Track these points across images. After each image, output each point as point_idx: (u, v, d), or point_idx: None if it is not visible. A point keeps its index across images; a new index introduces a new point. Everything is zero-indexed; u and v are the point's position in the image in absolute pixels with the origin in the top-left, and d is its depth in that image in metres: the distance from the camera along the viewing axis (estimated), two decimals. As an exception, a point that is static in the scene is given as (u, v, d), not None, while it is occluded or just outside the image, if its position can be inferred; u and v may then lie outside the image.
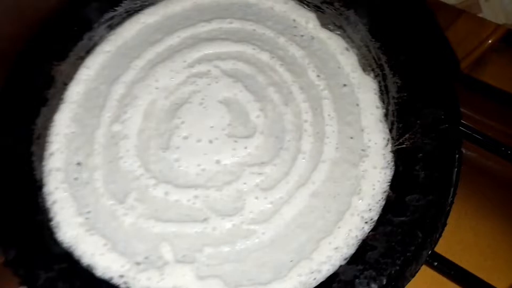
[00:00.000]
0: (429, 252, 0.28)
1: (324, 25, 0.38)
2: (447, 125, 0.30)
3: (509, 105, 0.38)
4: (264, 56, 0.37)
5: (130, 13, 0.41)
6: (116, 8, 0.41)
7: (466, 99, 0.38)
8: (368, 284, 0.25)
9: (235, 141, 0.33)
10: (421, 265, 0.27)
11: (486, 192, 0.36)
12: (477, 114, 0.38)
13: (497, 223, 0.35)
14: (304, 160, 0.32)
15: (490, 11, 0.48)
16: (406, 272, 0.26)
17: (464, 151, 0.37)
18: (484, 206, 0.35)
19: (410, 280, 0.27)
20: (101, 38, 0.40)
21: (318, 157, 0.32)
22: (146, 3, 0.41)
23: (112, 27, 0.40)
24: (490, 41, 0.51)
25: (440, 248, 0.30)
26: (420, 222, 0.27)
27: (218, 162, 0.32)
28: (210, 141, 0.33)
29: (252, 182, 0.31)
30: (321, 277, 0.26)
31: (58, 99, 0.37)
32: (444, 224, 0.28)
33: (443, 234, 0.31)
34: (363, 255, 0.27)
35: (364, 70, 0.35)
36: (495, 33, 0.50)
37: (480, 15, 0.49)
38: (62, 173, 0.33)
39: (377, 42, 0.36)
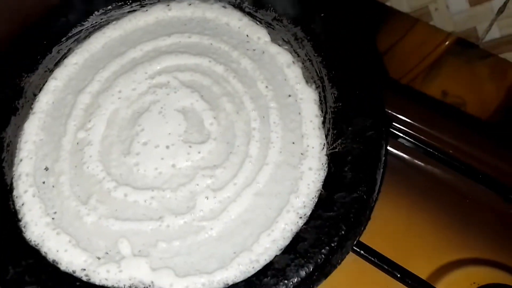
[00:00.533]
0: (354, 243, 0.32)
1: (274, 40, 0.42)
2: (372, 132, 0.34)
3: (436, 112, 0.42)
4: (219, 69, 0.40)
5: (96, 28, 0.44)
6: (83, 23, 0.44)
7: (402, 106, 0.43)
8: (297, 271, 0.29)
9: (190, 147, 0.36)
10: (346, 254, 0.31)
11: (416, 187, 0.40)
12: (411, 120, 0.42)
13: (424, 215, 0.39)
14: (250, 163, 0.35)
15: (440, 20, 0.53)
16: (332, 260, 0.30)
17: (396, 151, 0.42)
18: (412, 200, 0.39)
19: (336, 267, 0.31)
20: (69, 51, 0.43)
21: (263, 160, 0.35)
22: (112, 18, 0.45)
23: (79, 41, 0.43)
24: (446, 44, 0.55)
25: (369, 236, 0.35)
26: (344, 217, 0.31)
27: (173, 166, 0.36)
28: (167, 147, 0.37)
29: (204, 183, 0.35)
30: (258, 266, 0.30)
31: (27, 108, 0.40)
32: (368, 218, 0.33)
33: (375, 227, 0.35)
34: (295, 246, 0.31)
35: (307, 82, 0.39)
36: (451, 37, 0.55)
37: (431, 23, 0.54)
38: (31, 178, 0.36)
39: (319, 57, 0.39)
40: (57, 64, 0.42)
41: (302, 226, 0.31)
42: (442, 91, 0.56)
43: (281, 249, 0.31)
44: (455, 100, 0.54)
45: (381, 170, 0.34)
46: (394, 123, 0.41)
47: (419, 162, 0.42)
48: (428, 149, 0.40)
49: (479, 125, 0.47)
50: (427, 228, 0.38)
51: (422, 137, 0.41)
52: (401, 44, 0.58)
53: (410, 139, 0.41)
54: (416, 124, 0.41)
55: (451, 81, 0.56)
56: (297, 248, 0.30)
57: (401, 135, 0.41)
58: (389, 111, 0.41)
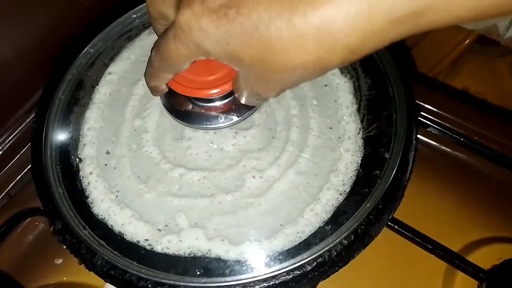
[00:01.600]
0: (389, 217, 0.35)
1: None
2: (405, 117, 0.37)
3: (462, 102, 0.45)
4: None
5: (146, 26, 0.48)
6: (134, 22, 0.48)
7: (430, 97, 0.46)
8: (339, 240, 0.33)
9: (236, 132, 0.40)
10: (383, 227, 0.35)
11: (444, 172, 0.43)
12: (438, 109, 0.45)
13: (453, 198, 0.42)
14: (292, 146, 0.39)
15: None
16: (370, 231, 0.34)
17: (426, 139, 0.45)
18: (442, 183, 0.42)
19: (373, 238, 0.34)
20: (122, 47, 0.47)
21: (303, 143, 0.39)
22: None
23: (131, 38, 0.48)
24: (466, 42, 0.58)
25: (403, 215, 0.38)
26: (381, 193, 0.34)
27: (222, 149, 0.39)
28: (215, 132, 0.40)
29: (250, 164, 0.38)
30: (304, 235, 0.34)
31: (88, 99, 0.44)
32: (402, 196, 0.36)
33: (407, 206, 0.38)
34: (337, 218, 0.34)
35: (342, 72, 0.42)
36: (471, 35, 0.57)
37: None
38: (94, 160, 0.40)
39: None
40: (111, 59, 0.46)
41: (342, 201, 0.35)
42: (463, 87, 0.58)
43: (324, 221, 0.34)
44: (476, 97, 0.57)
45: (413, 152, 0.37)
46: (422, 112, 0.44)
47: (446, 149, 0.45)
48: (454, 135, 0.43)
49: (502, 113, 0.50)
50: (455, 209, 0.41)
51: (448, 125, 0.44)
52: (424, 41, 0.61)
53: (437, 127, 0.43)
54: (442, 113, 0.44)
55: (472, 78, 0.58)
56: (338, 220, 0.34)
57: (429, 123, 0.44)
58: (417, 101, 0.44)
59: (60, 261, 0.43)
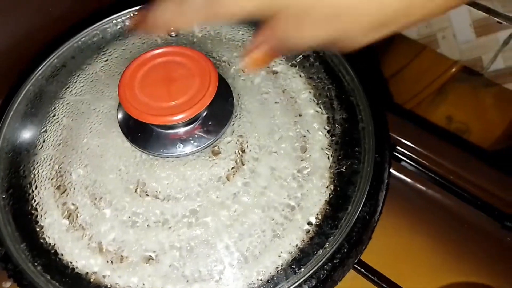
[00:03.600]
0: (355, 261, 0.33)
1: (287, 61, 0.44)
2: (377, 155, 0.36)
3: (439, 137, 0.44)
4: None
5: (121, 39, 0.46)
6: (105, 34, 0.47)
7: (407, 131, 0.45)
8: (300, 286, 0.31)
9: (202, 161, 0.38)
10: (347, 271, 0.33)
11: (417, 210, 0.42)
12: (414, 144, 0.44)
13: (425, 238, 0.40)
14: (253, 176, 0.37)
15: (446, 48, 0.55)
16: (334, 276, 0.32)
17: (399, 174, 0.44)
18: (414, 222, 0.41)
19: (337, 283, 0.32)
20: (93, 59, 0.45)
21: (269, 176, 0.37)
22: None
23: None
24: (452, 71, 0.57)
25: (370, 255, 0.36)
26: (347, 235, 0.33)
27: (183, 177, 0.37)
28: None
29: (212, 196, 0.36)
30: (264, 277, 0.32)
31: (45, 113, 0.42)
32: (369, 238, 0.34)
33: (374, 246, 0.37)
34: (299, 260, 0.32)
35: (317, 102, 0.41)
36: (456, 65, 0.56)
37: (438, 50, 0.56)
38: (49, 181, 0.38)
39: (329, 79, 0.41)
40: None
41: (307, 241, 0.33)
42: (446, 116, 0.57)
43: (287, 263, 0.32)
44: (459, 126, 0.56)
45: (384, 192, 0.35)
46: (397, 147, 0.42)
47: (420, 186, 0.44)
48: (430, 173, 0.41)
49: (480, 153, 0.49)
50: (426, 251, 0.40)
51: (423, 161, 0.43)
52: (408, 69, 0.60)
53: (412, 163, 0.42)
54: (419, 149, 0.43)
55: (456, 107, 0.58)
56: (300, 262, 0.32)
57: (404, 158, 0.42)
58: (393, 135, 0.43)
59: (8, 284, 0.40)
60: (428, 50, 0.57)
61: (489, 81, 0.56)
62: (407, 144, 0.43)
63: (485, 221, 0.41)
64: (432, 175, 0.42)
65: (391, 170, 0.41)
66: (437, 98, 0.60)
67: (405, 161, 0.42)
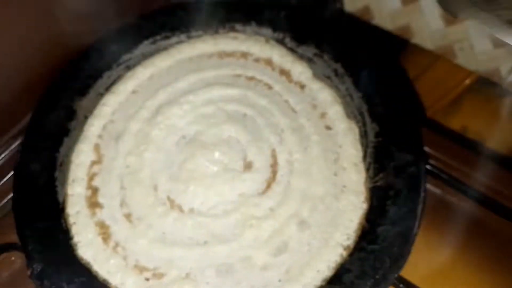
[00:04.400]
0: (396, 276, 0.33)
1: (315, 75, 0.44)
2: (413, 168, 0.35)
3: (469, 149, 0.44)
4: (263, 101, 0.42)
5: (146, 56, 0.47)
6: (133, 51, 0.47)
7: (435, 142, 0.44)
8: (343, 302, 0.30)
9: (234, 175, 0.38)
10: (389, 286, 0.32)
11: (450, 224, 0.41)
12: (444, 156, 0.43)
13: (468, 258, 0.40)
14: (293, 194, 0.37)
15: (464, 58, 0.55)
16: (376, 292, 0.31)
17: (432, 188, 0.43)
18: (446, 236, 0.40)
19: (379, 300, 0.32)
20: (119, 78, 0.45)
21: (306, 191, 0.37)
22: (160, 48, 0.47)
23: (129, 68, 0.46)
24: (467, 82, 0.57)
25: (407, 273, 0.35)
26: (388, 250, 0.32)
27: (219, 193, 0.37)
28: (213, 175, 0.38)
29: (248, 211, 0.36)
30: (304, 295, 0.31)
31: (79, 130, 0.42)
32: (409, 252, 0.34)
33: (412, 261, 0.36)
34: (340, 277, 0.32)
35: (348, 116, 0.41)
36: (472, 75, 0.56)
37: (455, 61, 0.56)
38: (82, 198, 0.38)
39: (360, 92, 0.41)
40: (107, 89, 0.44)
41: (346, 257, 0.32)
42: (461, 126, 0.57)
43: (326, 279, 0.32)
44: (475, 137, 0.55)
45: (422, 204, 0.35)
46: (430, 160, 0.42)
47: (451, 198, 0.43)
48: (461, 186, 0.41)
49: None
50: (469, 270, 0.39)
51: (454, 174, 0.42)
52: (423, 79, 0.60)
53: (443, 175, 0.41)
54: (450, 162, 0.42)
55: (471, 118, 0.57)
56: (342, 279, 0.31)
57: (436, 172, 0.42)
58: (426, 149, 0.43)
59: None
60: (443, 60, 0.56)
61: (505, 91, 0.56)
62: (439, 157, 0.42)
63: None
64: (463, 187, 0.41)
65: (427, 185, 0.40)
66: (453, 108, 0.59)
67: (437, 174, 0.41)
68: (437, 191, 0.42)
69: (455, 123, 0.57)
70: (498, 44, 0.50)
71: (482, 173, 0.42)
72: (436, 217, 0.41)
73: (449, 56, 0.55)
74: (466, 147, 0.44)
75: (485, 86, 0.58)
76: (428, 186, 0.43)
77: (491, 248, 0.40)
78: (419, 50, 0.56)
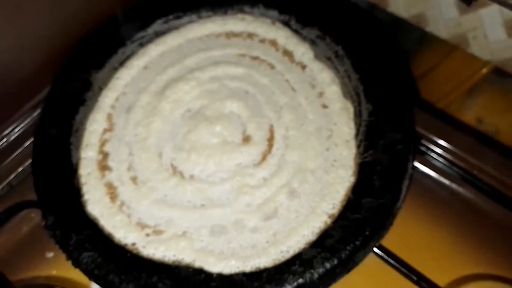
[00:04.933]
0: (376, 244, 0.35)
1: (316, 56, 0.46)
2: (401, 146, 0.37)
3: (466, 134, 0.45)
4: (265, 80, 0.45)
5: (158, 34, 0.49)
6: (146, 29, 0.50)
7: (433, 126, 0.46)
8: (322, 263, 0.33)
9: (233, 147, 0.40)
10: (368, 253, 0.34)
11: (440, 203, 0.43)
12: (441, 139, 0.45)
13: (446, 230, 0.41)
14: (286, 166, 0.39)
15: (477, 48, 0.55)
16: (355, 257, 0.33)
17: (425, 168, 0.45)
18: (436, 214, 0.42)
19: (357, 264, 0.34)
20: (133, 54, 0.48)
21: (299, 164, 0.39)
22: (172, 27, 0.50)
23: (142, 45, 0.49)
24: (483, 71, 0.57)
25: (391, 243, 0.38)
26: (370, 220, 0.34)
27: (217, 162, 0.40)
28: (213, 145, 0.41)
29: (244, 180, 0.39)
30: (288, 255, 0.34)
31: (94, 101, 0.45)
32: (391, 224, 0.36)
33: (397, 234, 0.38)
34: (323, 241, 0.34)
35: (345, 96, 0.43)
36: (487, 66, 0.56)
37: (469, 50, 0.56)
38: (94, 162, 0.41)
39: (357, 74, 0.43)
40: (121, 63, 0.48)
41: (330, 224, 0.35)
42: (476, 117, 0.57)
43: (309, 243, 0.34)
44: (489, 128, 0.56)
45: (407, 181, 0.37)
46: (423, 141, 0.44)
47: (444, 180, 0.45)
48: (454, 168, 0.42)
49: (506, 150, 0.49)
50: (447, 242, 0.40)
51: (448, 156, 0.43)
52: (438, 69, 0.60)
53: (437, 157, 0.43)
54: (444, 144, 0.44)
55: (486, 109, 0.57)
56: (324, 243, 0.34)
57: (429, 153, 0.43)
58: (419, 130, 0.44)
59: (51, 254, 0.44)
60: (459, 51, 0.57)
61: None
62: (433, 139, 0.44)
63: (509, 217, 0.42)
64: (456, 169, 0.43)
65: (417, 164, 0.42)
66: (468, 99, 0.59)
67: (429, 155, 0.43)
68: (428, 171, 0.44)
69: (470, 114, 0.58)
70: (513, 32, 0.51)
71: (474, 155, 0.44)
72: (425, 194, 0.43)
73: (463, 46, 0.55)
74: (464, 131, 0.45)
75: (501, 78, 0.58)
76: (422, 167, 0.45)
77: (474, 226, 0.41)
78: (434, 40, 0.57)
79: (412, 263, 0.37)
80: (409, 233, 0.40)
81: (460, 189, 0.44)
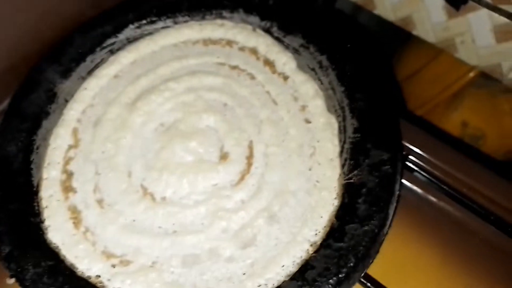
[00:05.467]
0: (362, 275, 0.32)
1: (299, 66, 0.43)
2: (389, 167, 0.35)
3: (453, 148, 0.43)
4: (244, 91, 0.42)
5: (130, 41, 0.46)
6: (118, 35, 0.46)
7: (421, 141, 0.44)
8: (304, 299, 0.30)
9: (209, 165, 0.37)
10: (353, 285, 0.32)
11: (427, 222, 0.41)
12: (427, 154, 0.42)
13: (433, 252, 0.39)
14: (266, 187, 0.36)
15: (465, 53, 0.53)
16: (339, 290, 0.31)
17: (410, 185, 0.42)
18: (423, 235, 0.40)
19: (342, 298, 0.31)
20: (102, 61, 0.45)
21: (279, 185, 0.36)
22: (145, 33, 0.46)
23: (112, 52, 0.45)
24: (469, 76, 0.56)
25: (378, 269, 0.35)
26: (354, 248, 0.32)
27: (192, 183, 0.37)
28: (188, 164, 0.38)
29: (220, 203, 0.36)
30: (266, 289, 0.31)
31: (58, 114, 0.42)
32: (377, 252, 0.33)
33: (382, 259, 0.36)
34: (304, 273, 0.31)
35: (329, 110, 0.40)
36: (473, 70, 0.55)
37: (456, 55, 0.54)
38: (56, 182, 0.38)
39: (342, 87, 0.40)
40: (90, 72, 0.44)
41: (312, 254, 0.32)
42: (462, 121, 0.56)
43: (290, 275, 0.32)
44: (474, 132, 0.54)
45: (394, 204, 0.34)
46: (409, 156, 0.41)
47: (432, 197, 0.43)
48: (442, 185, 0.40)
49: (494, 165, 0.48)
50: (435, 264, 0.38)
51: (436, 172, 0.41)
52: (424, 72, 0.59)
53: (424, 174, 0.41)
54: (432, 159, 0.42)
55: (472, 113, 0.56)
56: (305, 275, 0.31)
57: (416, 168, 0.41)
58: (406, 144, 0.42)
59: (12, 281, 0.40)
60: (445, 54, 0.55)
61: (507, 87, 0.55)
62: (420, 154, 0.42)
63: (497, 235, 0.40)
64: (444, 186, 0.40)
65: (403, 180, 0.40)
66: (453, 103, 0.58)
67: (417, 171, 0.41)
68: (415, 187, 0.42)
69: (455, 118, 0.56)
70: (501, 38, 0.49)
71: (463, 173, 0.42)
72: (411, 214, 0.40)
73: (450, 50, 0.54)
74: (447, 142, 0.43)
75: (487, 81, 0.56)
76: (408, 184, 0.43)
77: (461, 245, 0.39)
78: (421, 43, 0.55)
79: (400, 292, 0.35)
80: (395, 257, 0.38)
81: (447, 206, 0.42)
